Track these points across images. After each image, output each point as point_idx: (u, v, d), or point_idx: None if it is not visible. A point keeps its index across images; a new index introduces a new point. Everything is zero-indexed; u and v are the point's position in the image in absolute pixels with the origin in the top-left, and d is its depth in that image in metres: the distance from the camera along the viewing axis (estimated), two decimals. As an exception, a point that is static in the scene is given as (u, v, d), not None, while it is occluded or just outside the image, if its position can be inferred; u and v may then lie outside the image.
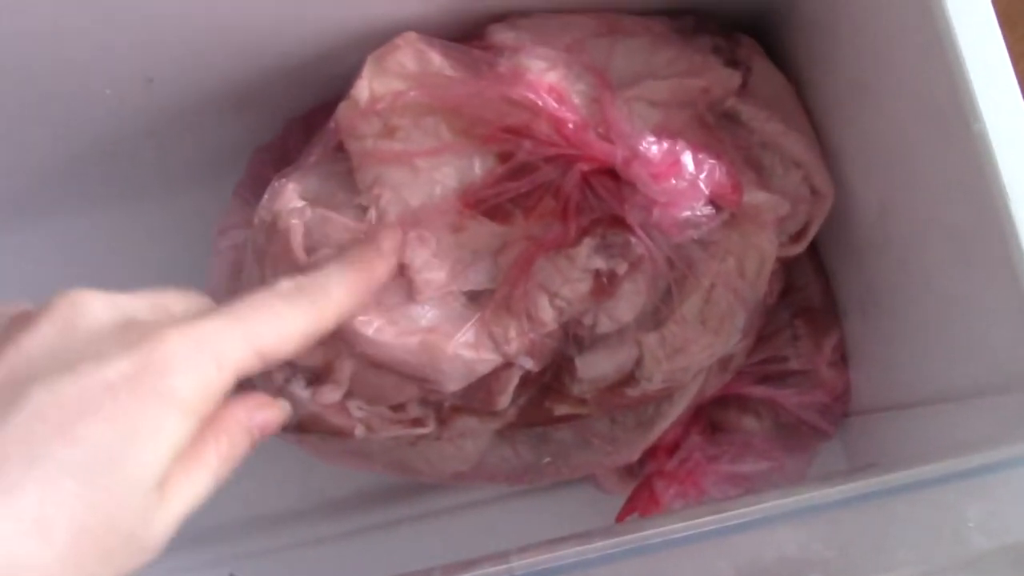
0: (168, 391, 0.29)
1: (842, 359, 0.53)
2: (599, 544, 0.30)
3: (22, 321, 0.29)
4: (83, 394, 0.27)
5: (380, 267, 0.40)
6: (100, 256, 0.58)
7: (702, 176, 0.39)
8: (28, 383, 0.27)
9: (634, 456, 0.49)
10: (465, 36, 0.46)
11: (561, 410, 0.46)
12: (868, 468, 0.37)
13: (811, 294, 0.53)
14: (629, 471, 0.54)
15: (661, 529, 0.28)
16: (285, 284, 0.35)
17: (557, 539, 0.34)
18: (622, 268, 0.43)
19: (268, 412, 0.34)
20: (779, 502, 0.30)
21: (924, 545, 0.29)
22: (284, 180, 0.45)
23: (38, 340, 0.29)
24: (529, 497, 0.57)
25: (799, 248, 0.48)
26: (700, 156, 0.39)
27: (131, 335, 0.29)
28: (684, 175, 0.38)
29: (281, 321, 0.33)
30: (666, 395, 0.47)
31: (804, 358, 0.52)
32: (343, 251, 0.40)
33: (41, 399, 0.27)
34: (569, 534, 0.34)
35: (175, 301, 0.33)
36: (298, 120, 0.53)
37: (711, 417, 0.53)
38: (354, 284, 0.37)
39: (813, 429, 0.54)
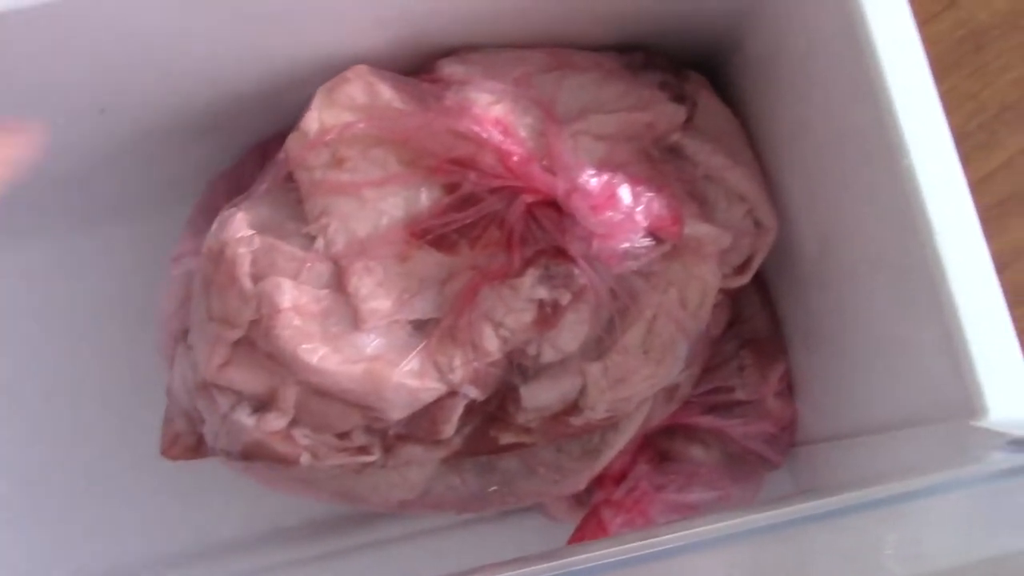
0: None
1: (788, 389, 0.54)
2: (529, 570, 0.31)
3: None
4: None
5: None
6: (56, 282, 0.58)
7: (639, 209, 0.39)
8: None
9: (581, 485, 0.50)
10: (416, 69, 0.47)
11: (506, 439, 0.46)
12: (789, 496, 0.38)
13: (758, 325, 0.54)
14: (578, 500, 0.54)
15: (582, 556, 0.29)
16: None
17: (494, 564, 0.34)
18: (565, 298, 0.43)
19: None
20: (701, 529, 0.30)
21: (841, 573, 0.29)
22: (234, 209, 0.45)
23: None
24: (479, 526, 0.57)
25: (743, 280, 0.48)
26: (638, 189, 0.40)
27: None
28: (621, 207, 0.39)
29: None
30: (611, 424, 0.48)
31: (750, 388, 0.52)
32: None
33: None
34: (504, 560, 0.34)
35: None
36: (255, 149, 0.53)
37: (659, 447, 0.54)
38: None
39: (760, 459, 0.54)
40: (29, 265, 0.59)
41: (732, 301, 0.52)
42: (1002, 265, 0.64)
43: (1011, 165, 0.64)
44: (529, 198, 0.42)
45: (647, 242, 0.41)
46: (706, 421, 0.53)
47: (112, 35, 0.41)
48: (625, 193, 0.39)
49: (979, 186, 0.63)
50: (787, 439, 0.54)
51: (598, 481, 0.52)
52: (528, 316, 0.44)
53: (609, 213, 0.39)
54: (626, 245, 0.41)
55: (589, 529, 0.52)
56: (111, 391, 0.57)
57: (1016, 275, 0.63)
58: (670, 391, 0.49)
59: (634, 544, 0.30)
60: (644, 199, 0.40)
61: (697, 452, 0.54)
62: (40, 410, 0.58)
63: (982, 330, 0.36)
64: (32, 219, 0.56)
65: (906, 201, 0.37)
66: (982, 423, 0.35)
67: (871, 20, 0.38)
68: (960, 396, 0.36)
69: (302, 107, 0.45)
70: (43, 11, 0.38)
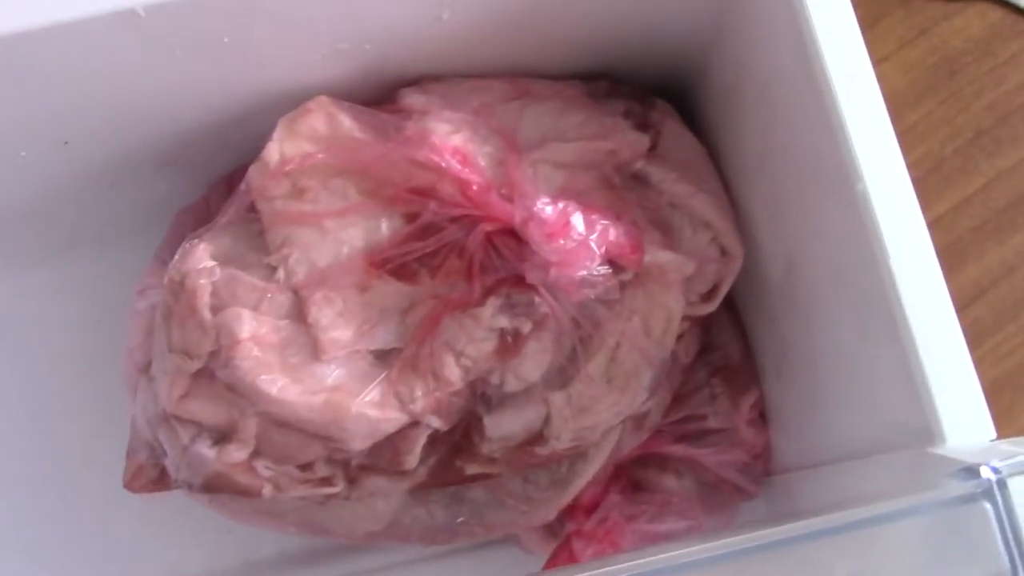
0: None
1: (761, 417, 0.53)
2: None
3: None
4: None
5: None
6: (23, 314, 0.58)
7: (593, 236, 0.39)
8: None
9: (550, 515, 0.49)
10: (379, 100, 0.47)
11: (472, 469, 0.46)
12: (742, 526, 0.37)
13: (730, 353, 0.53)
14: (551, 530, 0.53)
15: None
16: None
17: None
18: (526, 327, 0.43)
19: None
20: (657, 557, 0.30)
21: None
22: (196, 240, 0.45)
23: None
24: (453, 557, 0.57)
25: (710, 308, 0.48)
26: (593, 217, 0.40)
27: None
28: (574, 235, 0.39)
29: None
30: (579, 454, 0.47)
31: (722, 416, 0.52)
32: None
33: None
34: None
35: None
36: (221, 182, 0.53)
37: (631, 476, 0.53)
38: None
39: (735, 488, 0.54)
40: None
41: (703, 329, 0.52)
42: (980, 288, 0.64)
43: (988, 189, 0.64)
44: (488, 227, 0.42)
45: (605, 270, 0.41)
46: (678, 450, 0.53)
47: (73, 69, 0.41)
48: (579, 221, 0.39)
49: (956, 210, 0.63)
50: (761, 468, 0.54)
51: (569, 512, 0.52)
52: (490, 345, 0.43)
53: (562, 241, 0.39)
54: (583, 273, 0.40)
55: (561, 560, 0.52)
56: (77, 423, 0.57)
57: (995, 298, 0.62)
58: (639, 419, 0.49)
59: (595, 572, 0.30)
60: (599, 227, 0.40)
61: (670, 481, 0.53)
62: (4, 441, 0.57)
63: (939, 357, 0.35)
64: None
65: (861, 225, 0.37)
66: (939, 450, 0.35)
67: (825, 52, 0.38)
68: (919, 423, 0.36)
69: (265, 138, 0.45)
70: (3, 44, 0.38)
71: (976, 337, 0.62)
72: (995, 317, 0.62)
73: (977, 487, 0.30)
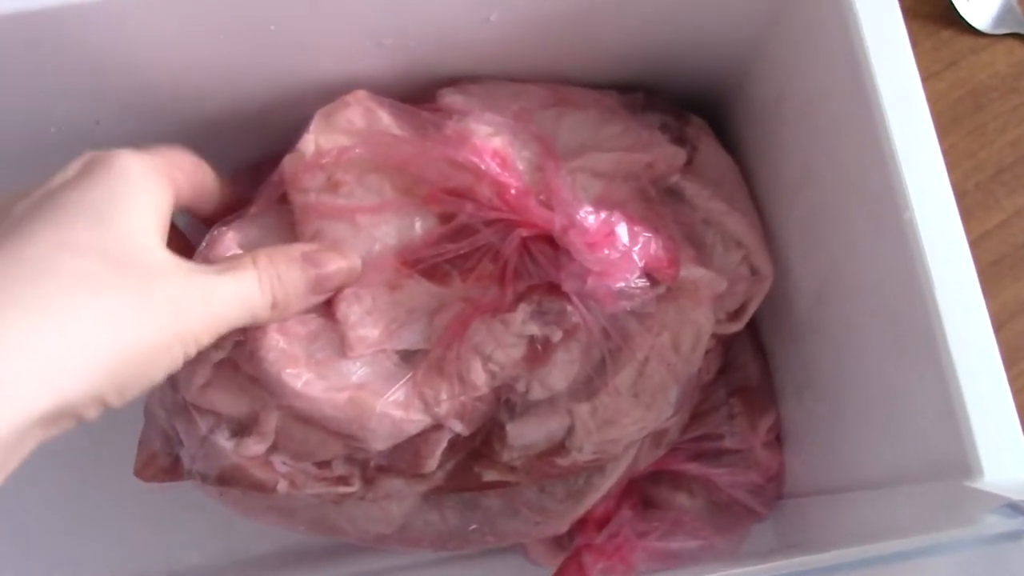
0: (112, 157, 0.36)
1: (777, 440, 0.53)
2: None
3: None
4: (50, 193, 0.34)
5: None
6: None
7: (636, 248, 0.39)
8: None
9: (563, 528, 0.49)
10: (417, 98, 0.47)
11: (490, 476, 0.45)
12: (775, 551, 0.37)
13: (749, 373, 0.53)
14: (559, 543, 0.53)
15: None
16: None
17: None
18: (556, 336, 0.43)
19: (327, 256, 0.41)
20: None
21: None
22: (224, 228, 0.44)
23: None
24: (458, 564, 0.56)
25: (737, 326, 0.48)
26: (636, 229, 0.39)
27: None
28: (618, 246, 0.38)
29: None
30: (597, 467, 0.47)
31: (739, 437, 0.52)
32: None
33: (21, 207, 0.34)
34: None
35: None
36: (247, 170, 0.53)
37: (644, 492, 0.53)
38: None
39: (746, 509, 0.53)
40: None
41: (724, 348, 0.52)
42: (997, 325, 0.64)
43: (1007, 226, 0.64)
44: (525, 232, 0.42)
45: (642, 282, 0.41)
46: (693, 468, 0.52)
47: (112, 48, 0.41)
48: (623, 231, 0.39)
49: (975, 245, 0.63)
50: (774, 491, 0.54)
51: (580, 525, 0.51)
52: (518, 352, 0.43)
53: (606, 251, 0.38)
54: (621, 284, 0.40)
55: (569, 573, 0.51)
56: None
57: (1010, 335, 0.62)
58: (658, 436, 0.49)
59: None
60: (642, 239, 0.39)
61: (682, 499, 0.53)
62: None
63: (979, 389, 0.35)
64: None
65: (907, 254, 0.36)
66: (977, 484, 0.34)
67: (877, 72, 0.38)
68: (955, 456, 0.35)
69: (297, 129, 0.45)
70: (42, 19, 0.38)
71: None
72: (1009, 352, 0.62)
73: (1022, 524, 0.30)
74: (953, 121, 0.65)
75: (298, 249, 0.40)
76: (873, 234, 0.39)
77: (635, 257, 0.39)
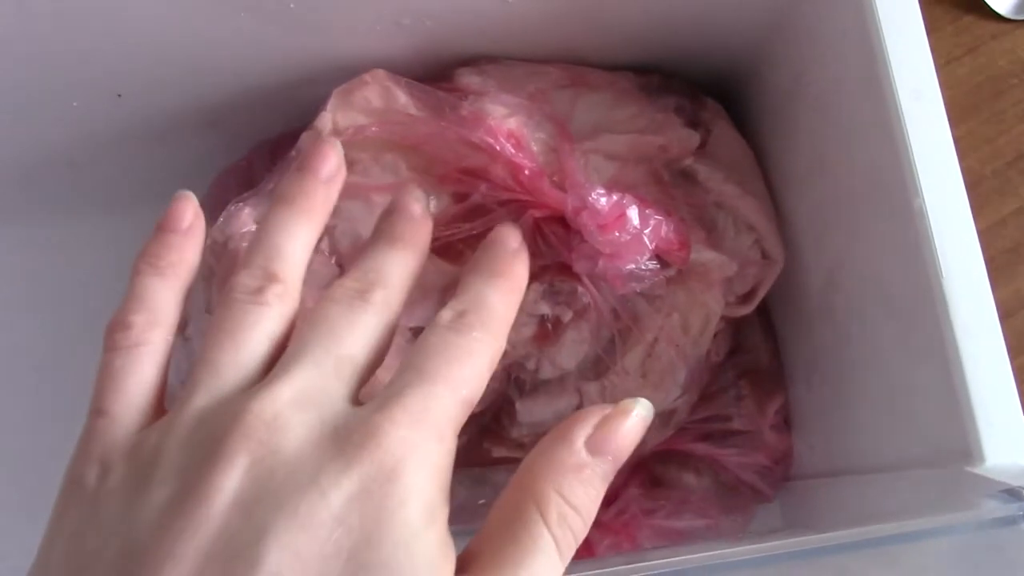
0: (404, 492, 0.26)
1: (785, 423, 0.54)
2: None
3: (208, 458, 0.26)
4: (316, 540, 0.25)
5: (520, 269, 0.35)
6: (58, 266, 0.58)
7: (647, 231, 0.39)
8: (254, 543, 0.24)
9: (570, 504, 0.49)
10: (434, 77, 0.47)
11: (499, 452, 0.46)
12: (778, 531, 0.37)
13: (759, 356, 0.53)
14: (567, 519, 0.54)
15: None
16: (446, 315, 0.31)
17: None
18: (567, 316, 0.43)
19: (617, 424, 0.30)
20: (688, 557, 0.30)
21: (827, 611, 0.29)
22: (241, 204, 0.45)
23: (240, 480, 0.25)
24: (466, 538, 0.57)
25: (747, 309, 0.48)
26: (647, 211, 0.39)
27: (343, 446, 0.26)
28: (629, 228, 0.39)
29: (471, 361, 0.30)
30: (605, 445, 0.47)
31: (747, 419, 0.52)
32: (473, 261, 0.35)
33: (275, 561, 0.24)
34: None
35: (347, 341, 0.30)
36: (265, 145, 0.53)
37: (652, 471, 0.54)
38: (509, 295, 0.33)
39: (752, 490, 0.54)
40: (30, 245, 0.59)
41: (735, 330, 0.52)
42: (1007, 312, 0.64)
43: (1023, 213, 0.64)
44: (537, 213, 0.42)
45: (653, 264, 0.41)
46: (700, 448, 0.53)
47: (136, 20, 0.41)
48: (634, 214, 0.39)
49: (990, 231, 0.63)
50: (780, 473, 0.54)
51: (588, 502, 0.52)
52: (529, 331, 0.43)
53: (617, 233, 0.39)
54: (632, 266, 0.40)
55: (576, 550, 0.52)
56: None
57: (1021, 321, 0.62)
58: (666, 416, 0.49)
59: (619, 568, 0.30)
60: (653, 221, 0.40)
61: (689, 479, 0.53)
62: (31, 398, 0.57)
63: (984, 376, 0.35)
64: (40, 201, 0.56)
65: (916, 242, 0.37)
66: (978, 470, 0.35)
67: (893, 61, 0.38)
68: (958, 442, 0.36)
69: (313, 107, 0.45)
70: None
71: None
72: (1019, 340, 0.62)
73: (1019, 509, 0.31)
74: (973, 107, 0.65)
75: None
76: (883, 222, 0.40)
77: (646, 240, 0.39)
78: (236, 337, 0.30)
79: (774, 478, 0.54)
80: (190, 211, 0.34)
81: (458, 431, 0.29)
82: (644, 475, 0.53)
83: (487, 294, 0.32)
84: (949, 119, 0.66)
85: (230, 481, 0.25)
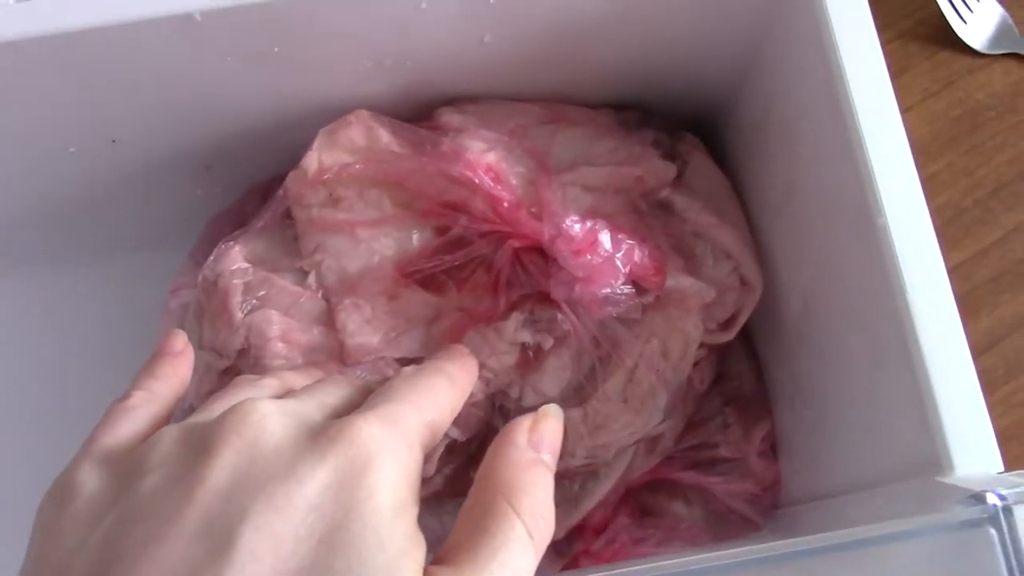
0: (375, 484, 0.27)
1: (772, 450, 0.54)
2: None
3: (194, 453, 0.28)
4: (290, 522, 0.26)
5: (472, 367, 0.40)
6: (57, 311, 0.59)
7: (619, 254, 0.40)
8: (232, 524, 0.26)
9: (559, 534, 0.50)
10: (417, 116, 0.49)
11: (486, 481, 0.47)
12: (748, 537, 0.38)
13: (743, 383, 0.54)
14: (557, 550, 0.54)
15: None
16: (408, 368, 0.35)
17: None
18: (548, 343, 0.44)
19: (544, 425, 0.33)
20: (660, 564, 0.31)
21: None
22: (232, 242, 0.47)
23: (224, 471, 0.27)
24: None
25: (727, 336, 0.49)
26: (619, 236, 0.41)
27: (318, 439, 0.28)
28: (600, 252, 0.40)
29: (434, 395, 0.33)
30: (591, 473, 0.48)
31: (733, 446, 0.53)
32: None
33: (251, 540, 0.26)
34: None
35: (329, 393, 0.33)
36: (258, 187, 0.55)
37: (641, 501, 0.54)
38: (463, 370, 0.38)
39: (742, 519, 0.54)
40: (30, 292, 0.60)
41: (718, 358, 0.53)
42: (994, 340, 0.65)
43: (1006, 242, 0.65)
44: (516, 243, 0.43)
45: (628, 289, 0.42)
46: (689, 477, 0.53)
47: (127, 69, 0.43)
48: (606, 238, 0.40)
49: (973, 260, 0.64)
50: (769, 500, 0.55)
51: (578, 532, 0.52)
52: (511, 359, 0.44)
53: (589, 256, 0.40)
54: (607, 290, 0.41)
55: (567, 580, 0.52)
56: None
57: (1009, 350, 0.63)
58: (652, 443, 0.50)
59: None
60: (625, 246, 0.41)
61: (679, 508, 0.54)
62: (34, 437, 0.58)
63: (950, 388, 0.36)
64: (38, 247, 0.57)
65: (881, 259, 0.38)
66: (948, 479, 0.35)
67: (853, 89, 0.39)
68: (929, 453, 0.37)
69: (304, 148, 0.47)
70: (61, 41, 0.40)
71: (987, 387, 0.61)
72: (1007, 368, 0.63)
73: (983, 513, 0.31)
74: (951, 140, 0.66)
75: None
76: (850, 242, 0.41)
77: (618, 263, 0.40)
78: (231, 397, 0.33)
79: (763, 506, 0.54)
80: (181, 340, 0.38)
81: (425, 451, 0.31)
82: (633, 504, 0.54)
83: (443, 364, 0.36)
84: (928, 153, 0.68)
85: (215, 472, 0.27)
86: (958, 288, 0.64)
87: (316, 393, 0.33)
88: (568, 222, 0.41)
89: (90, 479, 0.29)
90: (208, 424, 0.29)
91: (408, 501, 0.28)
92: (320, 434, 0.28)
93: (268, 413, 0.29)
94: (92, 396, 0.58)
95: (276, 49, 0.43)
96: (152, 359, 0.38)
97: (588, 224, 0.41)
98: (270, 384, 0.35)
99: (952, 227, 0.65)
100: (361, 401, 0.33)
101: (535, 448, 0.32)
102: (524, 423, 0.33)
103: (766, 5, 0.44)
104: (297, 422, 0.29)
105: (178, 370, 0.37)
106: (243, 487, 0.27)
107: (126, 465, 0.29)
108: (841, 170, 0.41)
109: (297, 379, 0.37)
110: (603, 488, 0.49)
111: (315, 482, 0.27)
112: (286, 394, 0.34)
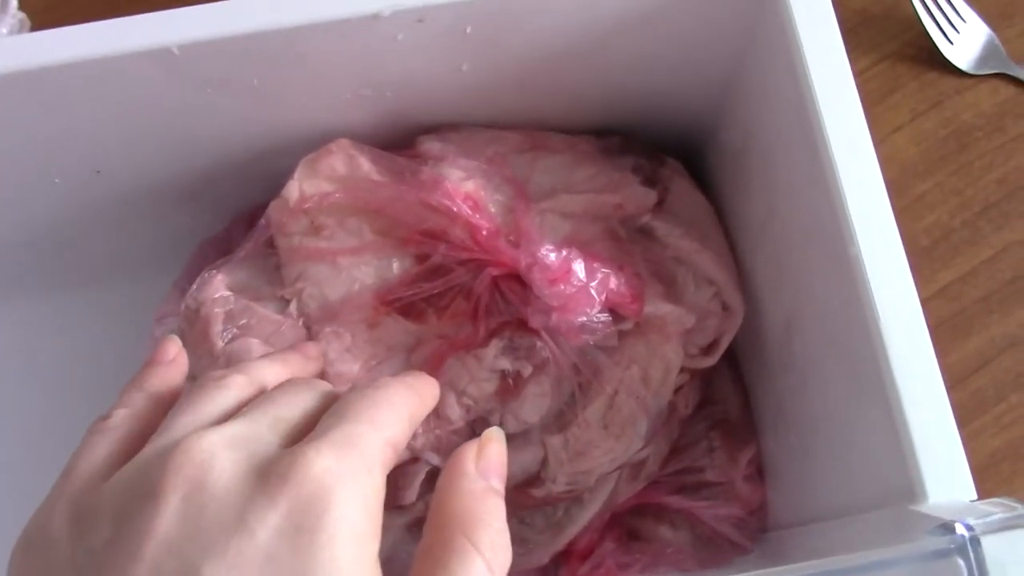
0: (333, 526, 0.26)
1: (758, 473, 0.54)
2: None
3: (141, 500, 0.27)
4: None
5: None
6: (43, 340, 0.59)
7: (594, 283, 0.41)
8: None
9: (544, 559, 0.50)
10: (398, 145, 0.49)
11: (468, 508, 0.47)
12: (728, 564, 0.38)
13: (729, 408, 0.54)
14: (544, 575, 0.54)
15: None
16: (363, 381, 0.35)
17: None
18: (527, 370, 0.44)
19: (489, 449, 0.33)
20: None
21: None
22: (214, 271, 0.47)
23: (170, 520, 0.26)
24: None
25: (710, 361, 0.49)
26: (594, 265, 0.41)
27: (268, 478, 0.27)
28: (574, 281, 0.40)
29: (392, 408, 0.32)
30: (574, 498, 0.48)
31: (719, 470, 0.53)
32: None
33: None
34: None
35: (288, 405, 0.32)
36: (244, 215, 0.55)
37: (628, 525, 0.54)
38: (422, 381, 0.36)
39: (730, 543, 0.54)
40: (16, 321, 0.60)
41: (703, 382, 0.53)
42: (984, 362, 0.65)
43: (994, 261, 0.65)
44: (495, 271, 0.44)
45: (605, 317, 0.42)
46: (675, 501, 0.53)
47: (108, 101, 0.43)
48: (580, 268, 0.41)
49: (962, 281, 0.64)
50: (756, 523, 0.54)
51: (565, 557, 0.52)
52: (491, 386, 0.45)
53: (563, 286, 0.40)
54: (583, 319, 0.42)
55: (553, 605, 0.52)
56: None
57: (998, 370, 0.63)
58: (636, 468, 0.50)
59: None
60: (600, 275, 0.41)
61: (665, 532, 0.54)
62: (22, 461, 0.58)
63: (923, 416, 0.36)
64: (23, 276, 0.58)
65: (854, 287, 0.38)
66: (921, 508, 0.35)
67: (825, 117, 0.40)
68: (903, 481, 0.37)
69: (289, 176, 0.47)
70: (42, 75, 0.40)
71: (978, 407, 0.62)
72: (997, 388, 0.63)
73: (951, 543, 0.31)
74: (939, 160, 0.67)
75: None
76: (826, 269, 0.41)
77: (592, 292, 0.41)
78: (195, 406, 0.32)
79: (750, 529, 0.54)
80: (174, 348, 0.37)
81: (386, 471, 0.30)
82: (620, 529, 0.54)
83: (401, 375, 0.35)
84: (917, 173, 0.68)
85: (162, 523, 0.26)
86: (947, 309, 0.64)
87: (273, 406, 0.31)
88: (543, 251, 0.41)
89: (56, 526, 0.29)
90: (155, 464, 0.28)
91: (368, 534, 0.28)
92: (270, 471, 0.27)
93: (214, 452, 0.28)
94: (77, 424, 0.59)
95: (255, 81, 0.43)
96: (142, 369, 0.37)
97: (563, 253, 0.41)
98: (236, 383, 0.33)
99: (941, 247, 0.65)
100: (324, 410, 0.32)
101: (484, 476, 0.32)
102: (471, 451, 0.32)
103: (741, 34, 0.44)
104: (247, 455, 0.28)
105: (168, 380, 0.36)
106: (193, 540, 0.26)
107: (86, 510, 0.29)
108: (816, 200, 0.41)
109: (268, 369, 0.36)
110: (587, 514, 0.49)
111: (267, 529, 0.26)
112: (244, 404, 0.32)
